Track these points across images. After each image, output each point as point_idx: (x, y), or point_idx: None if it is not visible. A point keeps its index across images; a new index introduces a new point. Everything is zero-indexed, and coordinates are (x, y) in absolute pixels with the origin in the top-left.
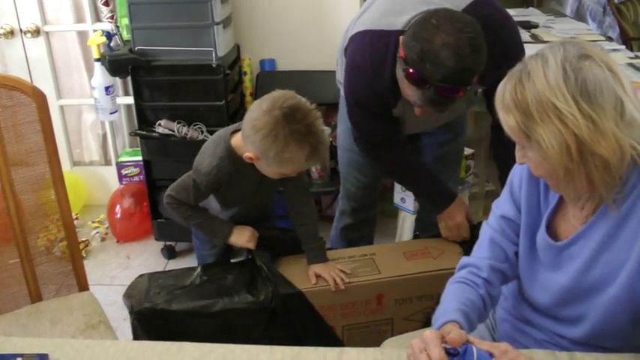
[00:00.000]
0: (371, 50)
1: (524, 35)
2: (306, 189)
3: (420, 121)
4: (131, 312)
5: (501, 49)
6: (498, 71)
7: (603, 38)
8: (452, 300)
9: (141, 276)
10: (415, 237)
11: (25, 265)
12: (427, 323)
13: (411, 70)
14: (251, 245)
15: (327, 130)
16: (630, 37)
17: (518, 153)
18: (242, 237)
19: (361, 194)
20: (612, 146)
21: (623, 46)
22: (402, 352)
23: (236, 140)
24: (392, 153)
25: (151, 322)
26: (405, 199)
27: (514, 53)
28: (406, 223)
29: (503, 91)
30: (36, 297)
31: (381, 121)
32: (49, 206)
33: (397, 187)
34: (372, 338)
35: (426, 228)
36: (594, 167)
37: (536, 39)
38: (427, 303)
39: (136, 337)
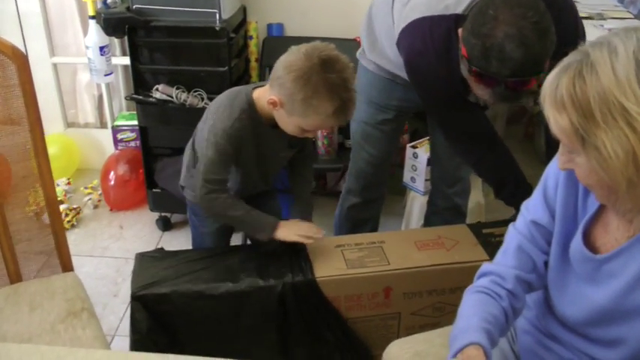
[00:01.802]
0: (431, 37)
1: None
2: (313, 156)
3: None
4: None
5: (563, 32)
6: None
7: (632, 16)
8: (473, 315)
9: (142, 256)
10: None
11: (3, 242)
12: (436, 319)
13: (476, 70)
14: (304, 239)
15: None
16: None
17: (562, 157)
18: (291, 230)
19: (372, 171)
20: None
21: None
22: None
23: (258, 93)
24: (489, 149)
25: (150, 307)
26: (415, 179)
27: (575, 36)
28: (415, 203)
29: (556, 84)
30: (15, 277)
31: (462, 112)
32: (32, 178)
33: (407, 164)
34: (378, 332)
35: (438, 212)
36: None
37: None
38: (437, 298)
39: (134, 321)
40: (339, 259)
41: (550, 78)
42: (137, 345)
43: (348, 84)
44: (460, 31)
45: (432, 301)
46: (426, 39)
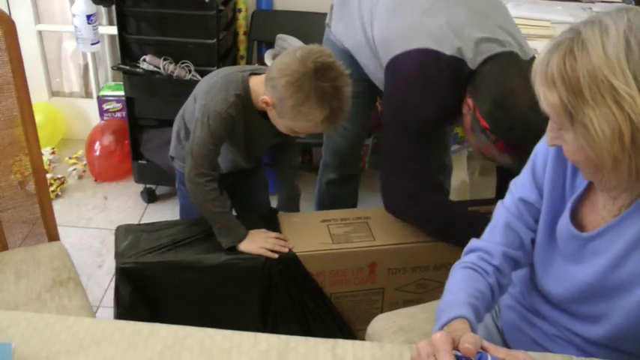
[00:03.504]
0: (447, 73)
1: None
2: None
3: None
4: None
5: None
6: None
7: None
8: (460, 290)
9: (126, 228)
10: None
11: None
12: (420, 295)
13: (502, 143)
14: (268, 253)
15: None
16: None
17: (550, 133)
18: (256, 243)
19: (348, 146)
20: None
21: None
22: (402, 347)
23: (254, 82)
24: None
25: (134, 280)
26: None
27: None
28: None
29: (547, 61)
30: (0, 245)
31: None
32: (17, 146)
33: None
34: (361, 307)
35: None
36: None
37: None
38: (421, 274)
39: (117, 294)
40: (324, 234)
41: (541, 55)
42: (121, 317)
43: (340, 93)
44: (470, 101)
45: (416, 278)
46: (442, 73)
